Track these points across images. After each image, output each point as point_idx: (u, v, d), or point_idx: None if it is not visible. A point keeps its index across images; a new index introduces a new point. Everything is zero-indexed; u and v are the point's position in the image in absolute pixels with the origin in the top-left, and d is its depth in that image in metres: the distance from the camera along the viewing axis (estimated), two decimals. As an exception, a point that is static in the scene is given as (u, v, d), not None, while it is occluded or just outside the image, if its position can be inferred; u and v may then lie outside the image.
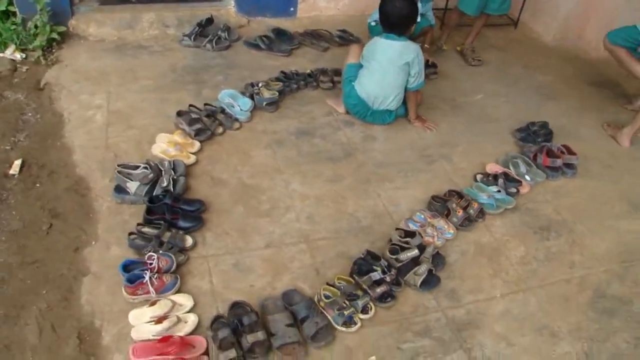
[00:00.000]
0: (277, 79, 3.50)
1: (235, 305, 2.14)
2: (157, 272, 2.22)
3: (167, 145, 2.90)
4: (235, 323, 2.04)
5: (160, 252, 2.31)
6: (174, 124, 3.10)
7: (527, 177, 2.93)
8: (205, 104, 3.20)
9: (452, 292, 2.37)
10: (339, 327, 2.15)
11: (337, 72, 3.62)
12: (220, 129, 3.09)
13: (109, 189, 2.66)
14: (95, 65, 3.54)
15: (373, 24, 3.91)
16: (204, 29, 3.86)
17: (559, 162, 2.99)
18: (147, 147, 2.94)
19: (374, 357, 2.07)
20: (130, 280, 2.16)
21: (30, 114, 3.15)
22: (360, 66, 3.21)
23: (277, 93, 3.34)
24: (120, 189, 2.62)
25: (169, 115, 3.18)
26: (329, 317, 2.17)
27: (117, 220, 2.53)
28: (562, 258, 2.59)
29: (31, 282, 2.26)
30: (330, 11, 4.40)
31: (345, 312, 2.17)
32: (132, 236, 2.38)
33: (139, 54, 3.71)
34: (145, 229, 2.42)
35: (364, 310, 2.22)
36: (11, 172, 2.76)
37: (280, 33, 4.00)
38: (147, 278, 2.17)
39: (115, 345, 2.02)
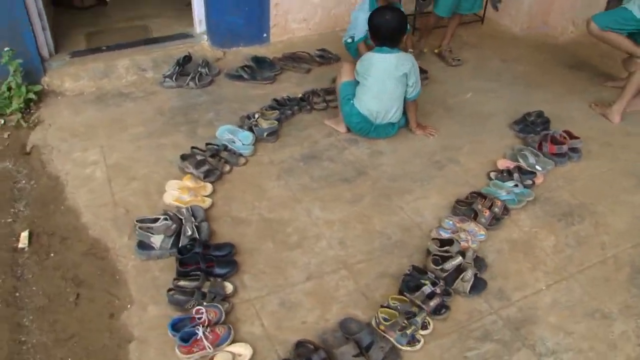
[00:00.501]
0: (271, 107, 3.47)
1: (299, 345, 2.09)
2: (208, 325, 2.15)
3: (180, 192, 2.83)
4: (306, 363, 2.00)
5: (205, 304, 2.24)
6: (178, 169, 3.02)
7: (538, 167, 3.00)
8: (207, 144, 3.14)
9: (499, 292, 2.39)
10: (404, 348, 2.13)
11: (328, 92, 3.63)
12: (227, 167, 3.04)
13: (130, 247, 2.57)
14: (80, 120, 3.43)
15: (349, 41, 3.90)
16: (183, 67, 3.79)
17: (565, 148, 3.07)
18: (157, 197, 2.86)
19: None
20: (184, 339, 2.08)
21: (24, 181, 3.01)
22: (356, 83, 3.21)
23: (276, 122, 3.30)
24: (143, 245, 2.53)
25: (170, 161, 3.10)
26: (391, 339, 2.14)
27: (147, 278, 2.44)
28: (592, 240, 2.65)
29: None
30: (302, 32, 4.40)
31: (408, 331, 2.15)
32: (171, 292, 2.30)
33: (122, 102, 3.61)
34: (183, 283, 2.34)
35: (423, 326, 2.20)
36: (20, 245, 2.62)
37: (259, 61, 3.97)
38: (200, 334, 2.10)
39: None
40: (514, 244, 2.63)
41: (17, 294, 2.40)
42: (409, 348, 2.14)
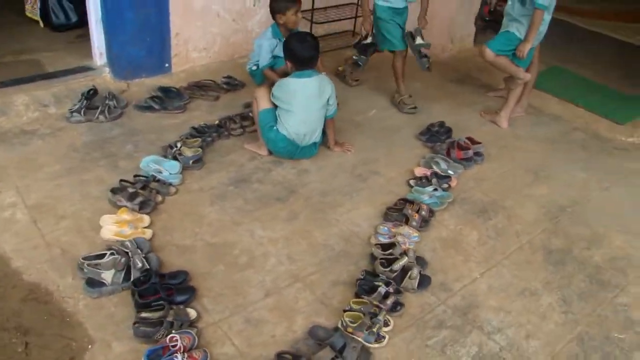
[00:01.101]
0: (191, 135, 3.49)
1: (279, 358, 2.16)
2: (184, 351, 2.14)
3: (118, 226, 2.76)
4: (290, 372, 2.07)
5: (173, 332, 2.23)
6: (109, 203, 2.94)
7: (450, 172, 3.34)
8: (135, 175, 3.09)
9: (442, 285, 2.64)
10: (372, 345, 2.29)
11: (243, 117, 3.73)
12: (159, 197, 3.00)
13: (76, 286, 2.46)
14: (-18, 162, 3.20)
15: (254, 68, 4.03)
16: (90, 101, 3.67)
17: (470, 152, 3.45)
18: (93, 233, 2.76)
19: None
20: (164, 368, 2.06)
21: None
22: (275, 109, 3.32)
23: (200, 149, 3.34)
24: (93, 283, 2.44)
25: (97, 196, 3.01)
26: (360, 339, 2.29)
27: (102, 315, 2.36)
28: (508, 231, 3.02)
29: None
30: (203, 60, 4.46)
31: (374, 330, 2.31)
32: (136, 325, 2.25)
33: (28, 140, 3.41)
34: (146, 314, 2.30)
35: (385, 324, 2.38)
36: (-57, 302, 2.40)
37: (166, 91, 3.96)
38: (179, 360, 2.09)
39: None
40: (444, 242, 2.91)
41: (-48, 352, 2.20)
42: (377, 345, 2.30)
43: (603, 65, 5.21)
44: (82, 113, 3.61)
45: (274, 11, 3.64)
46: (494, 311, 2.53)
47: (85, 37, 4.61)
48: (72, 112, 3.62)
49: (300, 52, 3.20)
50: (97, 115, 3.62)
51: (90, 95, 3.70)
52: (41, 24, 4.78)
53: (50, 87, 3.83)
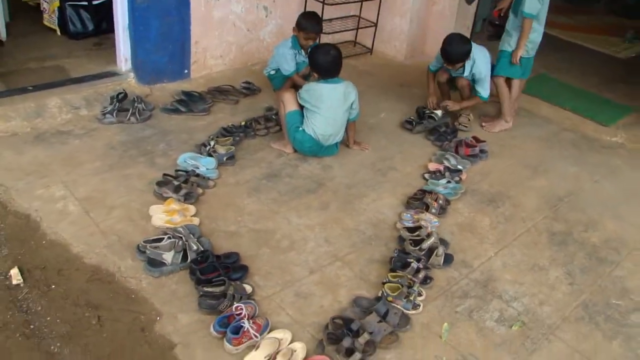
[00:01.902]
0: (222, 135, 3.76)
1: (336, 320, 2.45)
2: (249, 318, 2.41)
3: (168, 215, 3.01)
4: (347, 333, 2.36)
5: (235, 303, 2.49)
6: (154, 195, 3.18)
7: (459, 167, 3.69)
8: (176, 170, 3.35)
9: (463, 262, 2.98)
10: (410, 312, 2.60)
11: (267, 119, 4.02)
12: (200, 190, 3.27)
13: (136, 267, 2.71)
14: (27, 159, 3.40)
15: (272, 72, 4.38)
16: (121, 103, 3.92)
17: (477, 149, 3.82)
18: (144, 222, 3.01)
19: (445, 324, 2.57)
20: (235, 332, 2.33)
21: (-12, 224, 2.95)
22: (301, 111, 3.62)
23: (232, 147, 3.62)
24: (154, 263, 2.69)
25: (141, 189, 3.25)
26: (399, 307, 2.59)
27: (165, 292, 2.61)
28: (515, 217, 3.38)
29: (120, 375, 2.26)
30: (219, 67, 4.74)
31: (411, 298, 2.62)
32: (202, 298, 2.51)
33: (65, 139, 3.63)
34: (209, 289, 2.56)
35: (418, 294, 2.69)
36: (14, 282, 2.60)
37: (189, 95, 4.23)
38: (247, 325, 2.36)
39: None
40: (461, 227, 3.25)
41: (32, 326, 2.41)
42: (414, 312, 2.61)
43: (582, 72, 5.69)
44: (114, 115, 3.85)
45: (297, 25, 4.01)
46: (510, 283, 2.87)
47: (103, 44, 4.89)
48: (104, 114, 3.85)
49: (325, 64, 3.52)
50: (128, 117, 3.87)
51: (121, 98, 3.94)
52: (58, 33, 4.99)
53: (79, 91, 4.06)
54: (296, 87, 3.89)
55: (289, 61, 4.08)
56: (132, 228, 2.96)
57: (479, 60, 4.06)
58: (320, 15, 4.94)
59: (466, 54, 3.99)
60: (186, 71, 4.52)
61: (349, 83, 3.63)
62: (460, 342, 2.51)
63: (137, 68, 4.29)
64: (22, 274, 2.64)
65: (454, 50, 3.97)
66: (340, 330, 2.40)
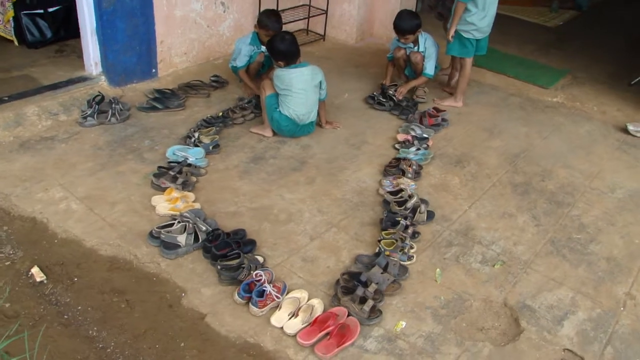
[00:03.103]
0: (203, 126, 3.97)
1: (348, 275, 2.76)
2: (269, 282, 2.69)
3: (170, 203, 3.22)
4: (357, 285, 2.68)
5: (255, 271, 2.75)
6: (152, 186, 3.37)
7: (425, 135, 4.06)
8: (169, 162, 3.55)
9: (443, 217, 3.34)
10: (406, 263, 2.94)
11: (242, 108, 4.25)
12: (194, 178, 3.49)
13: (152, 253, 2.92)
14: (18, 166, 3.50)
15: (235, 64, 4.61)
16: (99, 106, 4.05)
17: (439, 119, 4.20)
18: (148, 212, 3.20)
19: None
20: (260, 295, 2.60)
21: (-5, 231, 3.07)
22: (277, 95, 3.90)
23: (217, 136, 3.84)
24: (169, 246, 2.91)
25: (137, 183, 3.44)
26: (396, 259, 2.93)
27: (184, 271, 2.83)
28: (480, 174, 3.78)
29: (160, 346, 2.46)
30: (184, 64, 4.91)
31: (405, 251, 2.96)
32: (222, 271, 2.76)
33: (51, 145, 3.74)
34: (227, 262, 2.81)
35: (410, 247, 3.04)
36: (38, 279, 2.76)
37: (162, 92, 4.39)
38: (269, 288, 2.63)
39: (280, 345, 2.46)
40: (435, 187, 3.62)
41: (66, 316, 2.59)
42: (409, 262, 2.95)
43: (518, 42, 6.19)
44: (95, 117, 3.98)
45: (258, 22, 4.32)
46: (486, 230, 3.26)
47: (64, 51, 4.96)
48: (85, 117, 3.98)
49: (285, 49, 3.82)
50: (109, 118, 4.01)
51: (98, 101, 4.07)
52: (16, 43, 5.00)
53: (55, 97, 4.15)
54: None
55: (242, 57, 4.39)
56: (139, 218, 3.15)
57: (430, 39, 4.47)
58: (275, 6, 5.23)
59: (415, 27, 4.39)
60: (154, 70, 4.67)
61: (315, 66, 3.93)
62: (453, 283, 2.87)
63: (108, 71, 4.41)
64: (43, 272, 2.80)
65: (405, 21, 4.39)
66: (351, 284, 2.71)
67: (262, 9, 5.16)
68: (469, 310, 2.74)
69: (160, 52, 4.66)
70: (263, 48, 4.42)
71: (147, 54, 4.56)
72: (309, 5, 5.73)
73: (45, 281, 2.76)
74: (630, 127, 4.38)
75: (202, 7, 4.82)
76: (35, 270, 2.80)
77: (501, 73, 5.30)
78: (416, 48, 4.51)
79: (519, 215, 3.41)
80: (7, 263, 2.85)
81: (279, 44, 3.83)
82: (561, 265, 3.05)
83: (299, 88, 3.82)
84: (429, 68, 4.53)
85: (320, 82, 3.92)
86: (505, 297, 2.81)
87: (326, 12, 5.72)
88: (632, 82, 5.19)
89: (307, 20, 5.81)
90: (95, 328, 2.54)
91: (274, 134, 4.01)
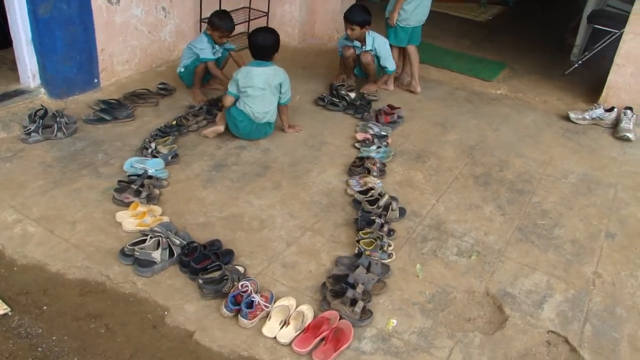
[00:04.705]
0: (159, 136, 3.81)
1: (334, 278, 2.73)
2: (256, 292, 2.62)
3: (137, 218, 3.08)
4: (346, 287, 2.66)
5: (241, 282, 2.68)
6: (114, 202, 3.21)
7: (383, 133, 4.10)
8: (129, 175, 3.38)
9: (413, 212, 3.39)
10: (387, 261, 2.96)
11: (195, 114, 4.12)
12: (157, 191, 3.35)
13: (125, 272, 2.77)
14: (-40, 191, 3.24)
15: (183, 70, 4.49)
16: (42, 120, 3.80)
17: (395, 116, 4.25)
18: (114, 229, 3.04)
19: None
20: (249, 307, 2.53)
21: (-55, 262, 2.82)
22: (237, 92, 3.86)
23: (175, 146, 3.70)
24: (144, 263, 2.77)
25: (96, 199, 3.26)
26: (376, 258, 2.94)
27: (163, 288, 2.71)
28: (442, 167, 3.86)
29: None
30: (127, 72, 4.71)
31: (385, 249, 2.98)
32: (205, 285, 2.66)
33: (-6, 165, 3.49)
34: (208, 276, 2.71)
35: (389, 245, 3.06)
36: (1, 312, 2.54)
37: (108, 103, 4.19)
38: (257, 299, 2.56)
39: (276, 355, 2.40)
40: (400, 184, 3.66)
41: (40, 349, 2.41)
42: (389, 260, 2.97)
43: (453, 37, 6.40)
44: (39, 132, 3.73)
45: (210, 24, 4.26)
46: (456, 223, 3.34)
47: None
48: (28, 133, 3.72)
49: (256, 45, 3.81)
50: (55, 132, 3.77)
51: (42, 115, 3.82)
52: None
53: (-9, 114, 3.87)
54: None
55: (206, 51, 4.31)
56: (105, 237, 2.99)
57: (378, 38, 4.54)
58: (201, 13, 5.11)
59: (363, 21, 4.46)
60: (96, 80, 4.45)
61: (279, 68, 3.89)
62: (435, 277, 2.91)
63: (47, 83, 4.15)
64: (5, 303, 2.59)
65: (355, 12, 4.48)
66: (338, 286, 2.69)
67: (202, 14, 5.08)
68: (454, 303, 2.79)
69: (101, 60, 4.44)
70: (232, 46, 4.54)
71: (88, 63, 4.33)
72: (249, 8, 5.65)
73: (9, 313, 2.55)
74: (572, 115, 4.62)
75: (143, 12, 4.64)
76: (-5, 302, 2.59)
77: (444, 68, 5.45)
78: (364, 47, 4.55)
79: (484, 206, 3.51)
80: (-42, 299, 2.61)
81: (260, 39, 3.86)
82: (531, 251, 3.16)
83: (257, 86, 3.79)
84: (389, 64, 4.66)
85: (281, 84, 3.88)
86: (486, 287, 2.88)
87: (267, 14, 5.66)
88: (566, 72, 5.48)
89: (247, 23, 5.72)
90: (75, 358, 2.38)
91: (228, 130, 3.94)
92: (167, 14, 4.88)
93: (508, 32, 6.91)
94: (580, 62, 5.48)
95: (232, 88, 3.86)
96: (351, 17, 4.42)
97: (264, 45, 3.82)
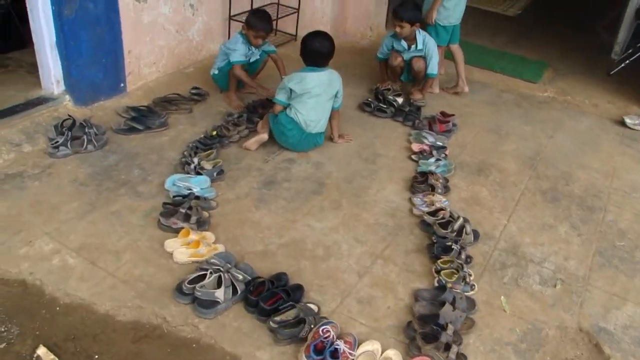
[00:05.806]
0: (201, 149, 3.48)
1: (420, 318, 2.45)
2: (339, 338, 2.33)
3: (189, 247, 2.76)
4: (436, 329, 2.38)
5: (312, 326, 2.38)
6: (160, 228, 2.90)
7: (439, 143, 3.81)
8: (174, 196, 3.07)
9: (485, 234, 3.11)
10: (469, 293, 2.68)
11: (235, 124, 3.79)
12: (206, 214, 3.03)
13: (184, 313, 2.47)
14: (-14, 214, 2.91)
15: (217, 72, 4.16)
16: (71, 131, 3.46)
17: (450, 125, 3.95)
18: (165, 260, 2.74)
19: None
20: (334, 356, 2.24)
21: (-19, 298, 2.50)
22: (287, 98, 3.57)
23: (220, 161, 3.38)
24: (206, 304, 2.46)
25: (141, 224, 2.95)
26: (459, 291, 2.66)
27: (229, 331, 2.41)
28: (506, 182, 3.58)
29: None
30: (154, 75, 4.36)
31: (467, 281, 2.70)
32: (279, 329, 2.37)
33: (21, 183, 3.14)
34: (280, 317, 2.41)
35: (469, 274, 2.78)
36: (48, 363, 2.26)
37: (138, 110, 3.85)
38: (342, 347, 2.27)
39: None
40: (467, 201, 3.38)
41: (99, 405, 2.13)
42: (472, 292, 2.69)
43: (489, 34, 6.10)
44: (68, 146, 3.39)
45: (247, 23, 3.93)
46: (533, 246, 3.06)
47: (9, 65, 4.27)
48: (56, 147, 3.38)
49: (314, 51, 3.51)
50: (85, 145, 3.43)
51: (69, 126, 3.49)
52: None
53: (12, 124, 3.52)
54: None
55: (237, 53, 3.95)
56: (155, 269, 2.68)
57: (428, 37, 4.23)
58: (249, 6, 4.78)
59: (414, 17, 4.13)
60: (122, 84, 4.10)
61: (333, 71, 3.59)
62: (522, 311, 2.64)
63: (72, 89, 3.80)
64: (52, 352, 2.28)
65: (405, 5, 4.15)
66: (428, 328, 2.41)
67: (232, 10, 4.75)
68: (547, 341, 2.52)
69: (128, 63, 4.09)
70: (272, 48, 4.20)
71: (114, 67, 3.99)
72: (278, 4, 5.30)
73: (58, 364, 2.24)
74: (628, 121, 4.36)
75: (171, 10, 4.29)
76: (42, 351, 2.27)
77: (486, 68, 5.16)
78: (414, 46, 4.24)
79: (558, 226, 3.24)
80: (2, 345, 2.29)
81: (316, 44, 3.54)
82: (617, 278, 2.90)
83: (312, 92, 3.49)
84: (433, 67, 4.33)
85: (337, 91, 3.61)
86: (578, 321, 2.62)
87: (298, 10, 5.32)
88: (611, 72, 5.21)
89: (275, 20, 5.37)
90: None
91: (270, 140, 3.65)
92: (195, 11, 4.53)
93: (541, 27, 6.61)
94: (627, 61, 5.20)
95: (281, 96, 3.54)
96: (401, 14, 4.09)
97: (320, 52, 3.52)
